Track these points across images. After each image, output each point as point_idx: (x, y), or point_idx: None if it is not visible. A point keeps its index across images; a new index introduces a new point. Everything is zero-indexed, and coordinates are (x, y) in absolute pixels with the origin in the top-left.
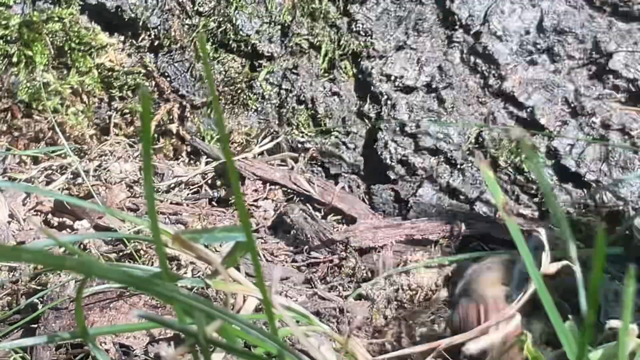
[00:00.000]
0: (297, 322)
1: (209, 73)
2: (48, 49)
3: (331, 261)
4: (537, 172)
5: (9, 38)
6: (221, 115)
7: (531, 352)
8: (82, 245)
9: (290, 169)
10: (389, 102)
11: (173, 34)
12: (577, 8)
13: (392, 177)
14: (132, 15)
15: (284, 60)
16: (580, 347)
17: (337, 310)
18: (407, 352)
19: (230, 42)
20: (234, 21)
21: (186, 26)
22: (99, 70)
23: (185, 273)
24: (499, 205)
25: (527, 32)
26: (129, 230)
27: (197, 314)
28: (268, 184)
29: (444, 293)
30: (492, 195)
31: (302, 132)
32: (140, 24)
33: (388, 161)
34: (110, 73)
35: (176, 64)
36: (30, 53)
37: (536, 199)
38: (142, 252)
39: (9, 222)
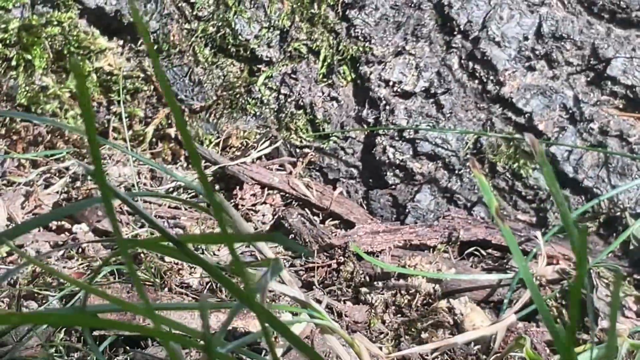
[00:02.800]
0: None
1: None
2: (47, 53)
3: (329, 265)
4: (549, 180)
5: (8, 42)
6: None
7: (530, 354)
8: (80, 249)
9: (288, 174)
10: (387, 107)
11: (172, 38)
12: (575, 14)
13: (390, 182)
14: (131, 19)
15: (283, 65)
16: (562, 347)
17: (336, 314)
18: (414, 350)
19: (229, 47)
20: (233, 26)
21: (185, 31)
22: (98, 74)
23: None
24: (492, 211)
25: (526, 38)
26: (127, 234)
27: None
28: (266, 189)
29: (442, 299)
30: (486, 200)
31: (301, 137)
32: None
33: (386, 166)
34: (109, 77)
35: (175, 69)
36: (29, 57)
37: (534, 205)
38: (142, 255)
39: (7, 225)
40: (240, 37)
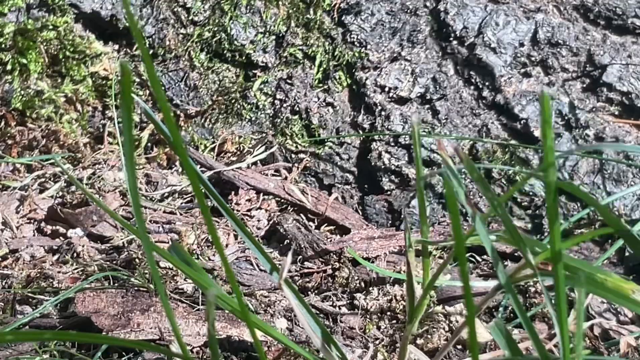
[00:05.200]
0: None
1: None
2: (42, 57)
3: (325, 271)
4: (479, 182)
5: (3, 46)
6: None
7: None
8: (75, 254)
9: (284, 179)
10: (383, 113)
11: (167, 43)
12: (571, 21)
13: (386, 187)
14: (127, 24)
15: (279, 71)
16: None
17: (331, 320)
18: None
19: (225, 52)
20: (228, 31)
21: (181, 35)
22: (93, 78)
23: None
24: (462, 200)
25: (522, 45)
26: (122, 239)
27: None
28: (262, 194)
29: (438, 305)
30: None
31: (296, 143)
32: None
33: (382, 172)
34: (104, 82)
35: (170, 73)
36: (24, 61)
37: (529, 211)
38: (137, 260)
39: (1, 230)
40: (236, 42)
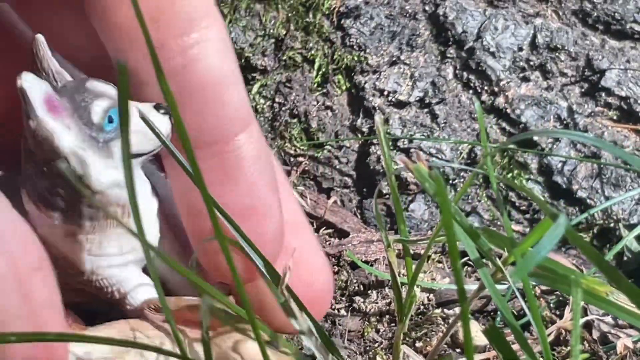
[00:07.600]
0: None
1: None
2: None
3: None
4: (438, 195)
5: None
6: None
7: None
8: None
9: None
10: (382, 116)
11: None
12: (570, 26)
13: (385, 191)
14: None
15: (278, 74)
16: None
17: (329, 322)
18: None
19: None
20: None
21: None
22: None
23: None
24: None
25: (520, 49)
26: None
27: None
28: None
29: (437, 308)
30: (431, 191)
31: (295, 146)
32: None
33: (380, 175)
34: None
35: None
36: None
37: (527, 215)
38: None
39: None
40: (235, 45)
